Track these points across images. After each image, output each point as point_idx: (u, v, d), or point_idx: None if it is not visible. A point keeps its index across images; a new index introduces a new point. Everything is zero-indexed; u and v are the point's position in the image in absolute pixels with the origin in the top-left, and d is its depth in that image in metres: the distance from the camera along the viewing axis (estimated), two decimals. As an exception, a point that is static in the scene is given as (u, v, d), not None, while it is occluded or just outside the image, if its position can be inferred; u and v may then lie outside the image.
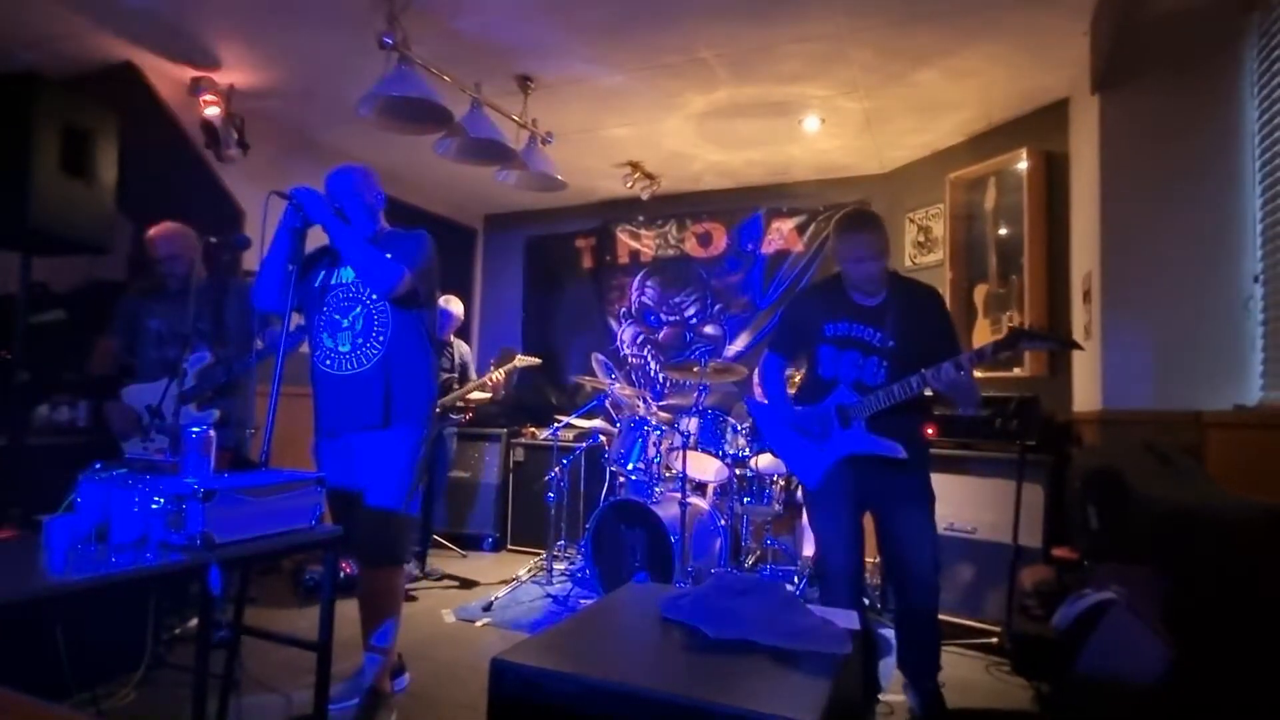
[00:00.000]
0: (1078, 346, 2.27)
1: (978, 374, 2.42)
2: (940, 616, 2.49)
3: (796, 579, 3.76)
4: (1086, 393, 3.30)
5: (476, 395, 4.23)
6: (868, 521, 2.50)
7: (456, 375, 4.31)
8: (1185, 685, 1.49)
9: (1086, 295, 3.23)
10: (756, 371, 4.26)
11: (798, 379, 3.13)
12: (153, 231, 3.00)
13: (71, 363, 3.20)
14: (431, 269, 2.40)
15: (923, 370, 2.23)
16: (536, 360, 4.35)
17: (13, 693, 0.75)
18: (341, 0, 2.99)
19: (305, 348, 2.52)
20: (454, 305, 4.27)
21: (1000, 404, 3.26)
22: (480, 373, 4.38)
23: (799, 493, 3.89)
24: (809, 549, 3.82)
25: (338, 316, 2.36)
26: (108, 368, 3.04)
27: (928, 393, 2.30)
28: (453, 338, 4.37)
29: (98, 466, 1.61)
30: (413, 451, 2.35)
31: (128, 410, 2.86)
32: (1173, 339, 2.87)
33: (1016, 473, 3.07)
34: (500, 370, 4.18)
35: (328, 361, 2.36)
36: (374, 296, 2.33)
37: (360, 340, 2.33)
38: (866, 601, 2.89)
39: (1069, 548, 2.75)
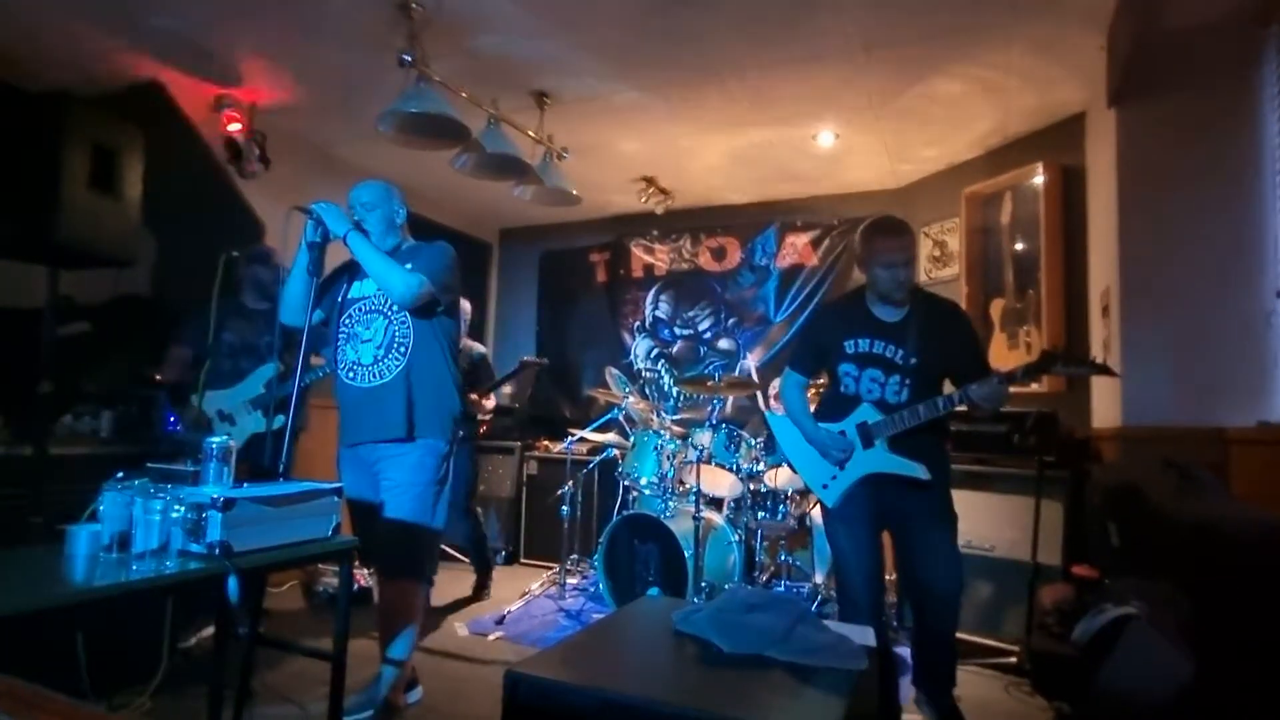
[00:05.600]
0: (1111, 373, 2.21)
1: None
2: (958, 635, 2.46)
3: (811, 599, 3.72)
4: (1106, 408, 3.26)
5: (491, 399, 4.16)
6: (886, 539, 2.47)
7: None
8: (1207, 702, 1.46)
9: (1105, 310, 3.20)
10: (776, 385, 4.27)
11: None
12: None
13: (95, 373, 3.26)
14: (452, 281, 2.42)
15: (951, 394, 2.22)
16: (542, 361, 4.31)
17: (55, 694, 0.76)
18: (362, 19, 3.05)
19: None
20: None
21: (1018, 419, 3.23)
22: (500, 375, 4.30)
23: (814, 511, 3.87)
24: (819, 577, 3.79)
25: (359, 329, 2.39)
26: (179, 375, 3.24)
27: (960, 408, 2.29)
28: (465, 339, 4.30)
29: (120, 476, 1.64)
30: (436, 464, 2.36)
31: (196, 413, 3.02)
32: (1194, 354, 2.83)
33: (1035, 489, 3.03)
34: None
35: (350, 374, 2.38)
36: (395, 308, 2.36)
37: (382, 352, 2.35)
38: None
39: (1089, 565, 2.71)
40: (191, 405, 3.02)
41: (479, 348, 4.26)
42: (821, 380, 2.83)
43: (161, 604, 2.43)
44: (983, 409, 2.22)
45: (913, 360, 2.31)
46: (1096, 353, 3.07)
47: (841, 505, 2.40)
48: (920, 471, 2.28)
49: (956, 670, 2.44)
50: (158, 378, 3.30)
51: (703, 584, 3.40)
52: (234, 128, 3.74)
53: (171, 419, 3.14)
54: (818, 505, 3.83)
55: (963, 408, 2.26)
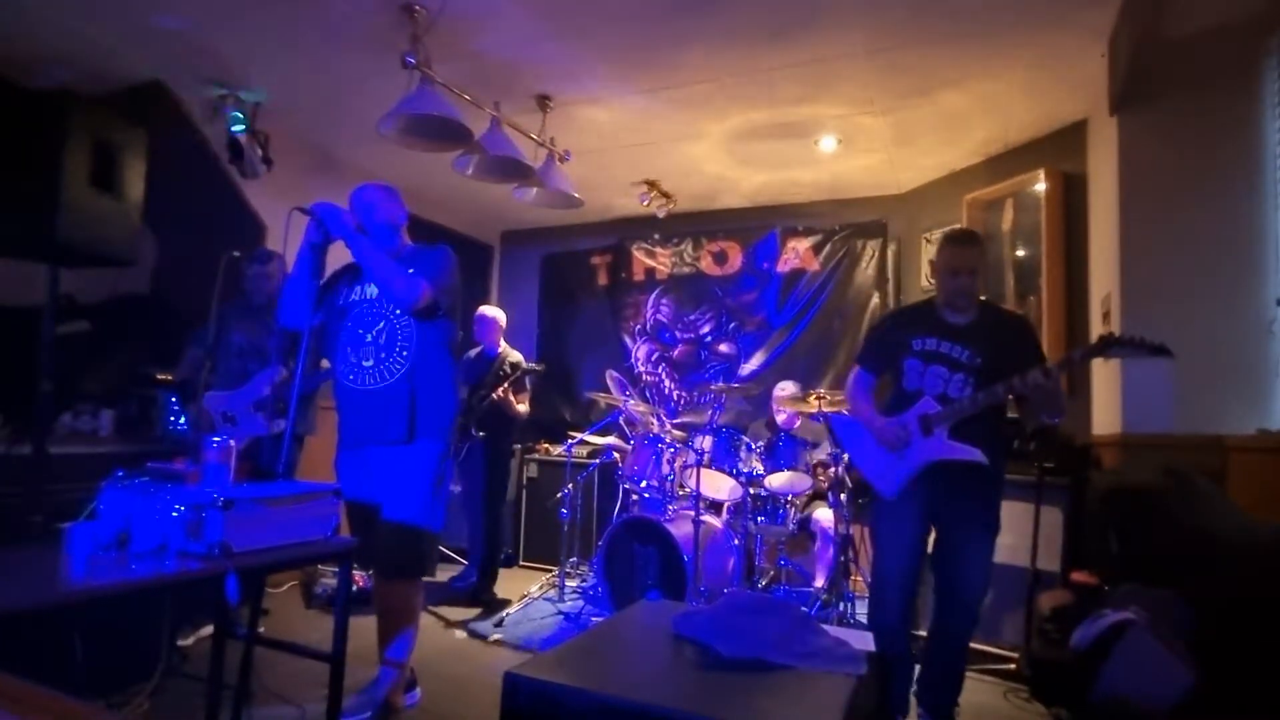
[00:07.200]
0: (1170, 354, 2.20)
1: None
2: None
3: (810, 603, 3.72)
4: (1106, 415, 3.26)
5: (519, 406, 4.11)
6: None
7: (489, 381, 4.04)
8: (1206, 709, 1.46)
9: (1106, 316, 3.20)
10: (783, 388, 4.26)
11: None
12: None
13: (95, 373, 3.27)
14: (453, 283, 2.42)
15: (1010, 381, 2.24)
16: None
17: (52, 691, 0.76)
18: (365, 21, 3.06)
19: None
20: (489, 310, 4.24)
21: (1018, 425, 3.22)
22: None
23: (818, 514, 3.87)
24: (820, 579, 3.79)
25: (361, 331, 2.38)
26: (190, 374, 3.30)
27: (1010, 415, 2.31)
28: (505, 346, 4.24)
29: (119, 474, 1.64)
30: (436, 466, 2.36)
31: (205, 414, 3.06)
32: (1194, 362, 2.83)
33: (1035, 495, 3.03)
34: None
35: (351, 376, 2.37)
36: (397, 311, 2.35)
37: (383, 355, 2.35)
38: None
39: (1088, 572, 2.71)
40: (201, 405, 3.02)
41: (515, 354, 4.23)
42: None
43: (160, 603, 2.42)
44: (1037, 407, 2.27)
45: (978, 360, 2.37)
46: (1096, 359, 3.07)
47: (896, 500, 2.43)
48: (979, 455, 2.31)
49: (961, 689, 2.45)
50: (169, 377, 3.37)
51: (702, 588, 3.40)
52: (236, 128, 3.74)
53: (177, 416, 3.17)
54: (818, 511, 3.87)
55: (1013, 413, 2.28)
